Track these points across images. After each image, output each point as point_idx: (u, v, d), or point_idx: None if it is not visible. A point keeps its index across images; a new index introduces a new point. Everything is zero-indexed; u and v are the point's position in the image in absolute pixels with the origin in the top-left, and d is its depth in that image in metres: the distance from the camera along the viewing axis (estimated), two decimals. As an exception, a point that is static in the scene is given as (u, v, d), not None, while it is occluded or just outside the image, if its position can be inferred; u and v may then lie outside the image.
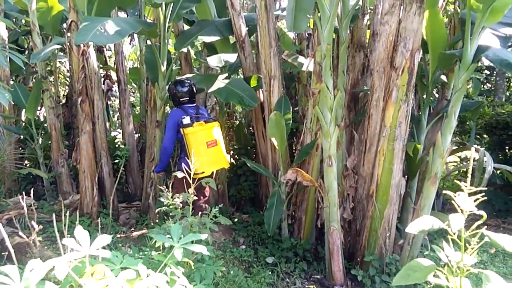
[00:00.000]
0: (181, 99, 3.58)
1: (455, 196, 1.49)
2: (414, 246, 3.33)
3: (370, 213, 3.37)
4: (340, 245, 3.33)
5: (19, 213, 4.14)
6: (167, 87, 4.05)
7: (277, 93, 3.86)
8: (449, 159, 6.51)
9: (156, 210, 2.69)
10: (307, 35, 5.06)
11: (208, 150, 3.42)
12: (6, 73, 4.96)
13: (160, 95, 4.19)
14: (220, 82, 3.87)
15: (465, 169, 5.60)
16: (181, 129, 3.40)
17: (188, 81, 3.64)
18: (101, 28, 3.07)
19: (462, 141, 5.79)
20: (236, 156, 5.19)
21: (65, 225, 2.55)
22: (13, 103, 5.13)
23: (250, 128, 5.40)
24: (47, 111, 4.85)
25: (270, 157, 4.09)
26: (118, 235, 4.12)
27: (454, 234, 1.42)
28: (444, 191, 2.05)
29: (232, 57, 4.06)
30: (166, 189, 2.63)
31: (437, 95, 4.41)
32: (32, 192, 3.40)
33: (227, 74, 4.03)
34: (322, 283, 3.43)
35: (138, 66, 6.23)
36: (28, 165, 5.37)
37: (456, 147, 4.91)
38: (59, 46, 4.90)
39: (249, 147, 5.15)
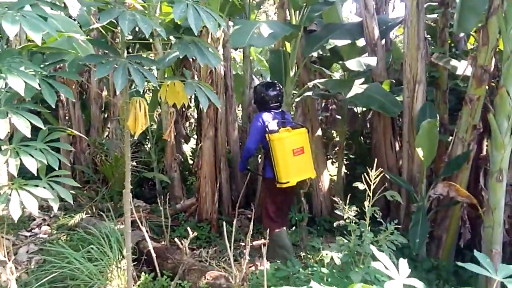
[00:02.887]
0: (269, 103, 3.38)
1: None
2: None
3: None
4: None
5: (139, 216, 4.16)
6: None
7: (421, 100, 3.56)
8: None
9: (335, 224, 2.49)
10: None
11: (294, 158, 3.17)
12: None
13: (286, 100, 4.04)
14: (358, 87, 3.65)
15: None
16: (266, 135, 3.21)
17: (279, 85, 3.48)
18: (257, 31, 2.97)
19: None
20: (349, 166, 4.92)
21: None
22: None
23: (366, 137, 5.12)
24: (163, 116, 4.89)
25: (406, 169, 3.78)
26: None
27: None
28: None
29: (373, 61, 3.82)
30: (341, 202, 2.43)
31: None
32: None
33: (363, 79, 3.80)
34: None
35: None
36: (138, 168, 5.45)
37: None
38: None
39: (364, 157, 4.86)
